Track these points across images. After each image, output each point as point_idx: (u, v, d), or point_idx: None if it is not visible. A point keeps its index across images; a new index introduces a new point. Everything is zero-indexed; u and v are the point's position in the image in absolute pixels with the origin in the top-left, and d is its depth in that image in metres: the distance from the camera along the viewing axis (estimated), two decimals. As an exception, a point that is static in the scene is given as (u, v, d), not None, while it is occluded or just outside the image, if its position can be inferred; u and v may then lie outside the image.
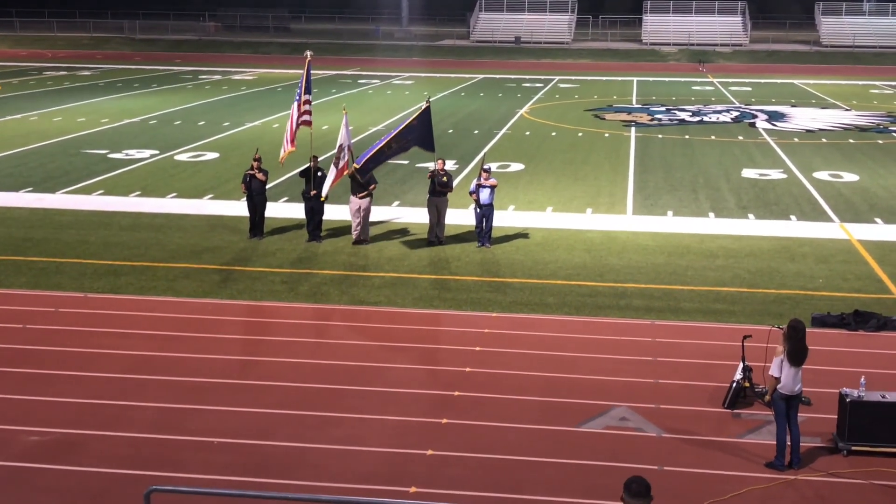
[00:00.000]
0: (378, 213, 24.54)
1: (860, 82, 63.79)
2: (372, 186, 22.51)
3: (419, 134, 22.75)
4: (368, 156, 21.75)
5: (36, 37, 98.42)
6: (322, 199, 22.17)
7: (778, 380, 12.28)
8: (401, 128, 22.52)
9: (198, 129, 40.02)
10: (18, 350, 16.05)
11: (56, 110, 45.30)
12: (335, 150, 22.54)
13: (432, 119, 23.15)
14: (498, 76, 66.41)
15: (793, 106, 50.52)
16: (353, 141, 23.51)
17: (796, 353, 12.22)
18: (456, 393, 14.59)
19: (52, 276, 20.08)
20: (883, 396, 12.86)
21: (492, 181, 22.33)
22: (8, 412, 13.74)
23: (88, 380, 14.89)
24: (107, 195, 27.57)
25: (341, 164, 22.18)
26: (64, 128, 39.77)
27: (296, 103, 23.14)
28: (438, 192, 22.49)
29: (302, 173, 22.92)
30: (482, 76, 66.18)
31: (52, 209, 25.77)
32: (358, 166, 21.69)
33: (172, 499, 10.60)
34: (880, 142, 38.58)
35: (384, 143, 22.08)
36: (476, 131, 40.21)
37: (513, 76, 66.55)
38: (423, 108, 22.82)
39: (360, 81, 61.92)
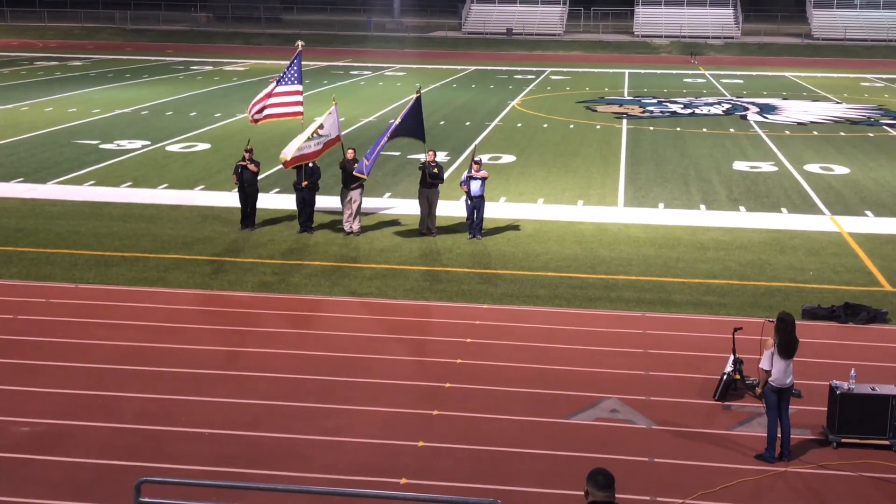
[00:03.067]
0: (369, 205, 24.53)
1: (851, 75, 63.88)
2: (363, 178, 22.50)
3: (411, 124, 22.75)
4: (372, 164, 21.88)
5: (27, 27, 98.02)
6: (282, 159, 21.99)
7: (768, 373, 12.31)
8: (395, 124, 22.50)
9: (189, 119, 39.94)
10: (9, 340, 16.02)
11: (47, 100, 45.14)
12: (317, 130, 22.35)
13: (424, 111, 23.15)
14: (489, 68, 66.35)
15: (784, 98, 50.57)
16: (344, 132, 23.47)
17: (786, 346, 12.25)
18: (447, 384, 14.61)
19: (43, 266, 20.03)
20: (873, 389, 12.91)
21: (483, 173, 22.32)
22: (-2, 403, 13.73)
23: (79, 370, 14.87)
24: (98, 186, 27.50)
25: (316, 141, 22.03)
26: (55, 118, 39.63)
27: (272, 90, 23.06)
28: (430, 183, 22.47)
29: (293, 164, 22.86)
30: (474, 68, 66.11)
31: (43, 200, 25.70)
32: (363, 176, 21.84)
33: (162, 490, 10.59)
34: (871, 135, 38.65)
35: (382, 144, 22.16)
36: (467, 123, 40.19)
37: (504, 68, 66.49)
38: (414, 97, 22.82)
39: (351, 73, 61.82)
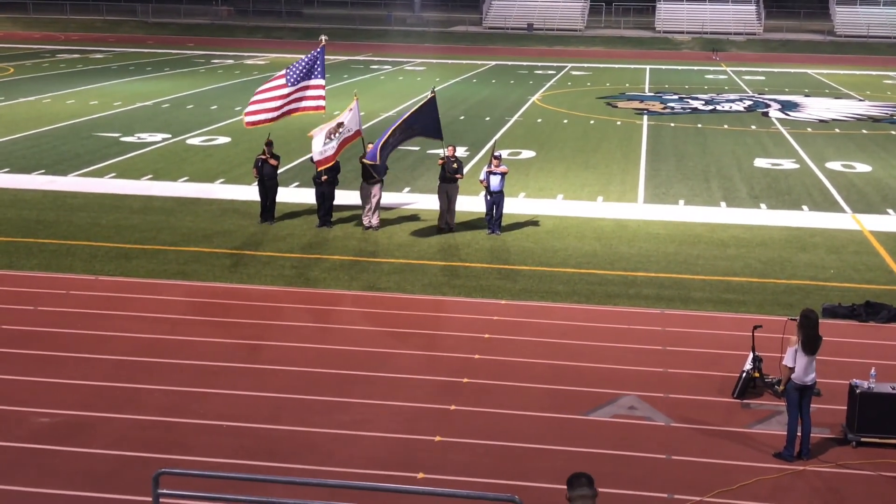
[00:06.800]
0: (389, 199, 24.52)
1: (874, 72, 63.45)
2: (382, 173, 22.52)
3: (425, 123, 22.73)
4: (377, 148, 21.70)
5: (49, 19, 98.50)
6: (319, 167, 21.91)
7: (792, 370, 12.25)
8: (406, 116, 22.50)
9: (210, 113, 40.05)
10: (29, 332, 16.10)
11: (69, 93, 45.34)
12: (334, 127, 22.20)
13: (443, 106, 23.11)
14: (510, 63, 66.23)
15: (806, 96, 50.29)
16: (364, 127, 23.46)
17: (810, 342, 12.20)
18: (464, 380, 14.60)
19: (64, 258, 20.12)
20: (893, 388, 12.82)
21: (502, 168, 22.29)
22: (18, 393, 13.80)
23: (98, 362, 14.94)
24: (119, 178, 27.61)
25: (337, 140, 21.89)
26: (76, 111, 39.82)
27: (292, 86, 22.81)
28: (449, 178, 22.46)
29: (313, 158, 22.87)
30: (494, 63, 66.00)
31: (64, 192, 25.81)
32: (369, 162, 21.69)
33: (180, 482, 10.63)
34: (894, 132, 38.37)
35: (390, 132, 22.05)
36: (487, 118, 40.12)
37: (525, 63, 66.36)
38: (429, 97, 22.81)
39: (371, 67, 61.84)
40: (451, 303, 18.12)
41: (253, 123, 22.75)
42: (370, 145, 22.46)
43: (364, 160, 21.90)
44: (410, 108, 23.05)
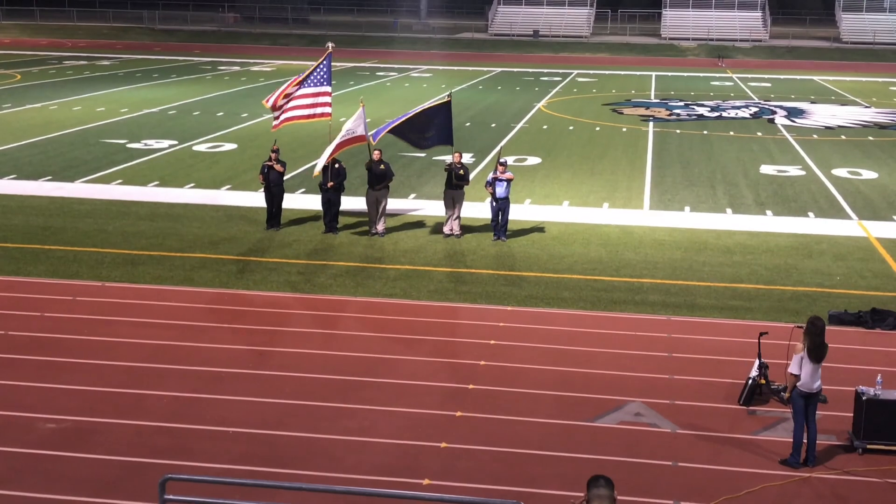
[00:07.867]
0: (394, 206, 24.56)
1: (880, 79, 63.40)
2: (388, 179, 22.57)
3: (439, 129, 22.77)
4: (383, 130, 21.92)
5: (56, 26, 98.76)
6: (315, 175, 22.08)
7: (797, 377, 12.24)
8: (419, 111, 22.58)
9: (216, 119, 40.12)
10: (36, 338, 16.14)
11: (76, 99, 45.47)
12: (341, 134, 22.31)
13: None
14: (516, 70, 66.29)
15: (812, 102, 50.26)
16: (370, 133, 23.52)
17: (816, 350, 12.20)
18: (470, 386, 14.61)
19: (70, 264, 20.17)
20: (899, 395, 12.82)
21: (508, 175, 22.31)
22: (25, 399, 13.83)
23: (105, 368, 14.97)
24: (125, 185, 27.67)
25: (339, 140, 21.97)
26: (83, 117, 39.91)
27: (303, 89, 22.99)
28: (455, 184, 22.48)
29: (319, 165, 22.90)
30: (500, 69, 66.07)
31: (70, 198, 25.88)
32: (374, 142, 21.90)
33: (187, 487, 10.65)
34: (900, 139, 38.35)
35: (400, 122, 22.20)
36: (493, 125, 40.17)
37: (531, 70, 66.42)
38: (444, 101, 22.84)
39: (378, 74, 61.93)
40: (457, 309, 18.13)
41: (277, 126, 23.22)
42: (376, 152, 22.48)
43: (373, 144, 22.06)
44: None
